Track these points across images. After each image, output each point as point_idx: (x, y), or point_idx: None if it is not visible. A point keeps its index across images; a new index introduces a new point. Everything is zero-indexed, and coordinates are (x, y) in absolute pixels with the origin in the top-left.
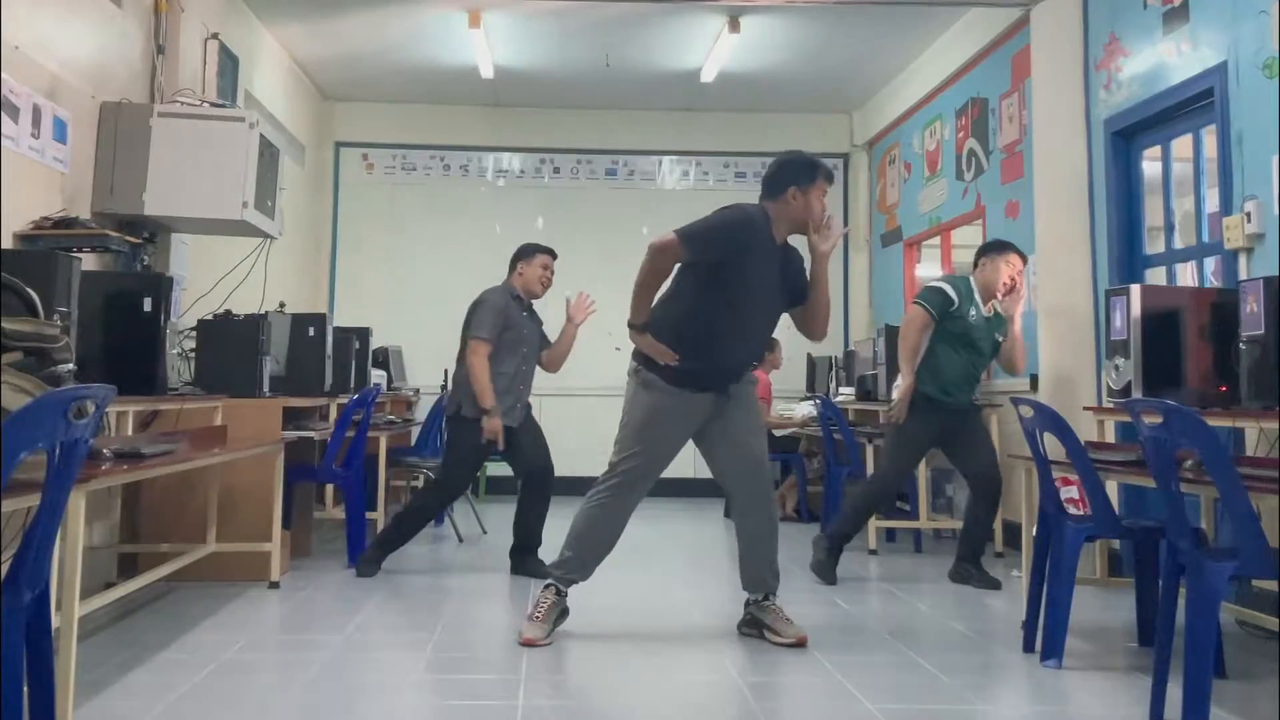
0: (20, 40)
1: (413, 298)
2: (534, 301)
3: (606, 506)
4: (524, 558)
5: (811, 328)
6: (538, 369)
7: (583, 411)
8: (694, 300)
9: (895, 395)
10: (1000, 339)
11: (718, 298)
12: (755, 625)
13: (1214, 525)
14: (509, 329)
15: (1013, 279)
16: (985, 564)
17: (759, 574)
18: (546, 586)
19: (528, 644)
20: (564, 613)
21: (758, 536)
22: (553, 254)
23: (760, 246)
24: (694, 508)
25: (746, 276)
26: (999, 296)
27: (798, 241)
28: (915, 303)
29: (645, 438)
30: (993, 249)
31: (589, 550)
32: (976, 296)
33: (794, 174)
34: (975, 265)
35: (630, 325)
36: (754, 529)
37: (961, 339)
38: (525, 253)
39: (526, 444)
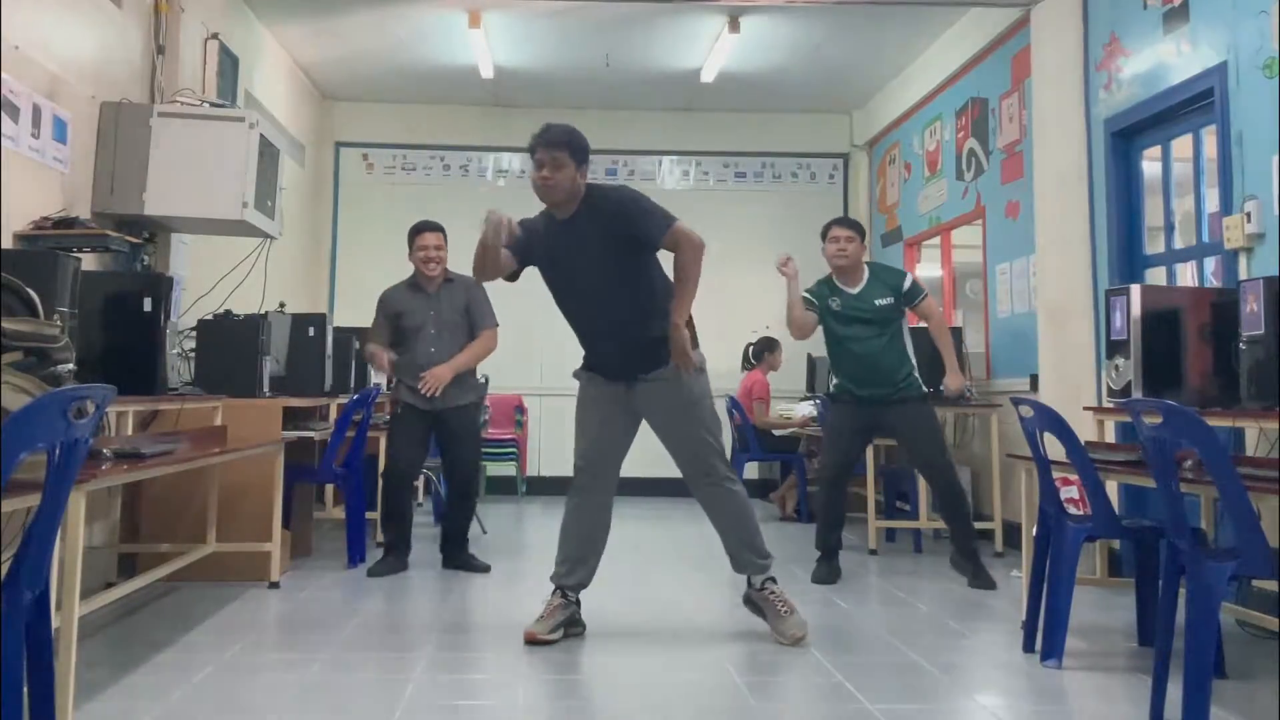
0: (20, 40)
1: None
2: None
3: (579, 504)
4: (451, 551)
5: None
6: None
7: None
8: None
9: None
10: (884, 304)
11: (555, 298)
12: (756, 608)
13: (1214, 525)
14: (402, 316)
15: (834, 254)
16: (986, 564)
17: (739, 555)
18: (554, 591)
19: (530, 639)
20: (574, 620)
21: (722, 525)
22: (435, 228)
23: (544, 240)
24: (694, 508)
25: (546, 274)
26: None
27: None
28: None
29: (580, 425)
30: (822, 233)
31: (573, 550)
32: (836, 282)
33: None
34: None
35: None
36: (715, 518)
37: (839, 325)
38: (409, 237)
39: (450, 444)
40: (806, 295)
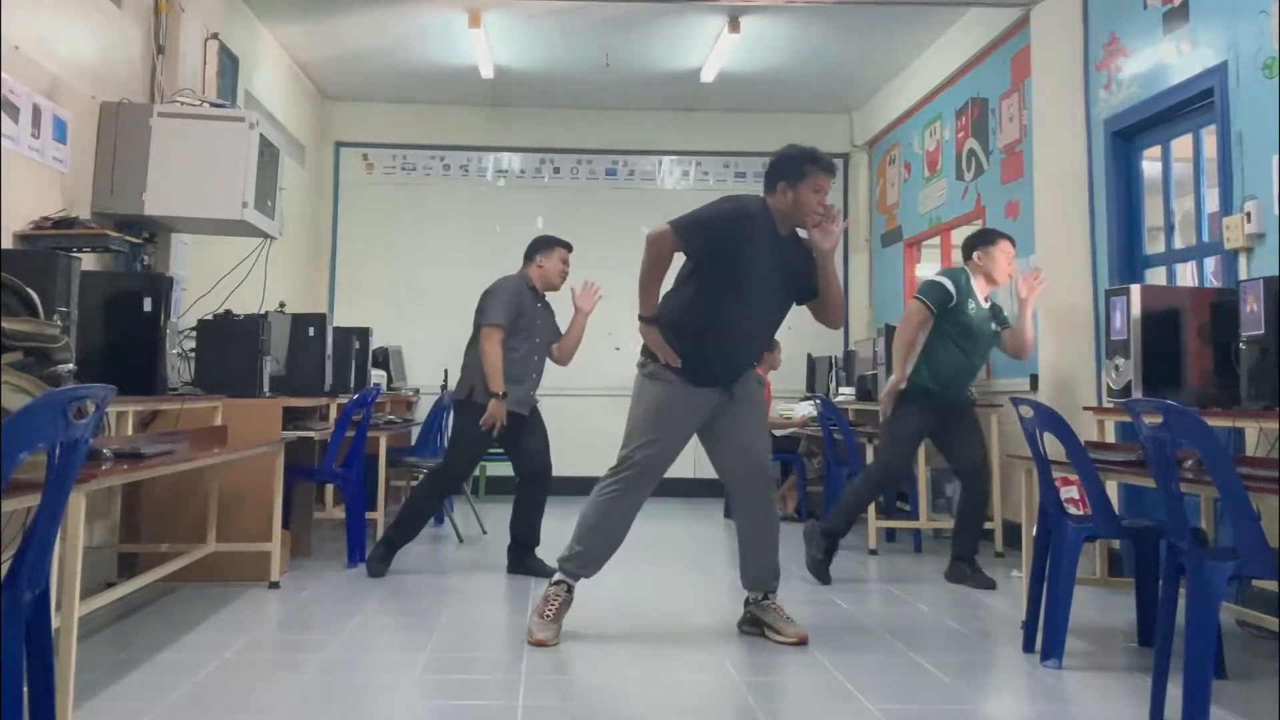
0: (20, 40)
1: (413, 298)
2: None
3: (618, 498)
4: (521, 555)
5: (825, 319)
6: (550, 363)
7: (584, 411)
8: (694, 292)
9: (883, 391)
10: (996, 329)
11: (716, 290)
12: (756, 624)
13: (1214, 525)
14: (522, 316)
15: (1011, 267)
16: (985, 564)
17: (759, 574)
18: (557, 583)
19: (538, 645)
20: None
21: (758, 538)
22: (570, 248)
23: (758, 238)
24: (694, 508)
25: (744, 269)
26: (1020, 283)
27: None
28: (916, 298)
29: (654, 428)
30: (984, 239)
31: (600, 543)
32: (975, 289)
33: (784, 169)
34: (967, 258)
35: (640, 318)
36: (755, 531)
37: (960, 333)
38: (545, 245)
39: (530, 439)
40: (940, 280)
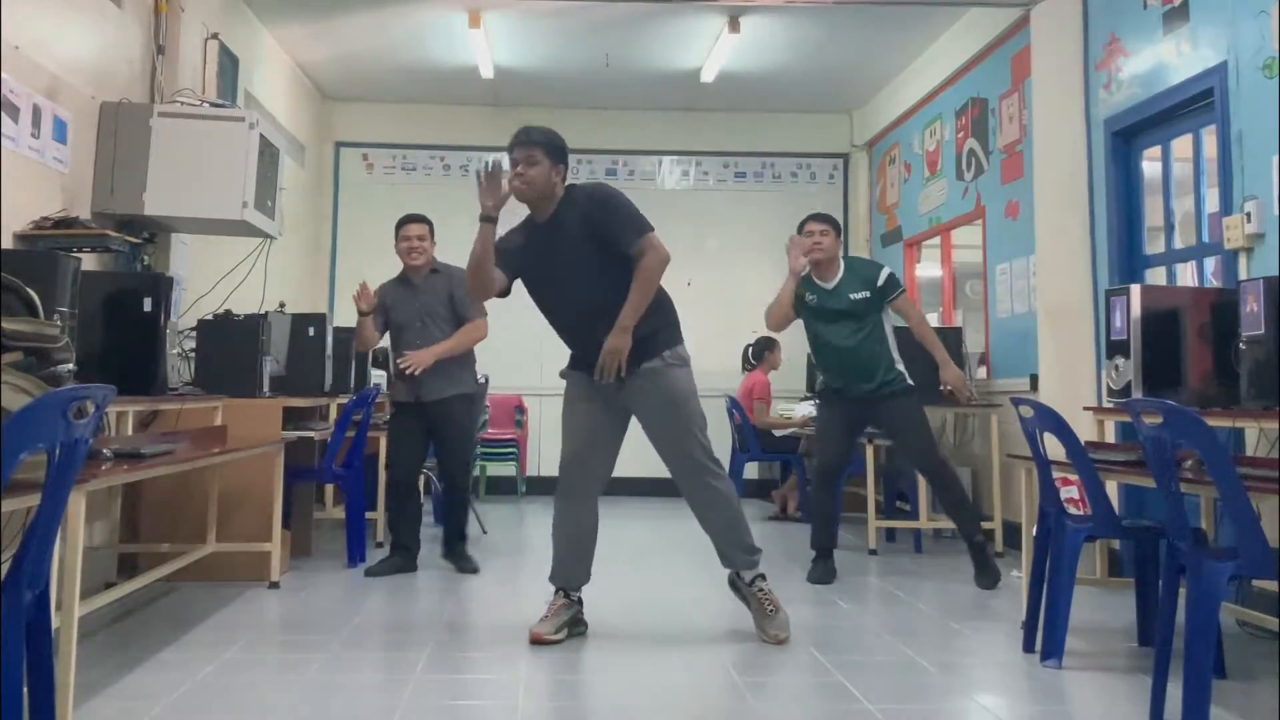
0: (20, 40)
1: None
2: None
3: (560, 501)
4: (450, 548)
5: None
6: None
7: None
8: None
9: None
10: (857, 299)
11: (534, 297)
12: (741, 598)
13: (1214, 525)
14: (392, 310)
15: (803, 251)
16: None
17: (726, 551)
18: (555, 591)
19: (535, 639)
20: (577, 620)
21: (710, 521)
22: (419, 219)
23: (524, 244)
24: None
25: (528, 276)
26: (804, 265)
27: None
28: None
29: (564, 422)
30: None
31: (566, 550)
32: (813, 278)
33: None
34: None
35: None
36: (703, 515)
37: (816, 321)
38: (395, 231)
39: (440, 435)
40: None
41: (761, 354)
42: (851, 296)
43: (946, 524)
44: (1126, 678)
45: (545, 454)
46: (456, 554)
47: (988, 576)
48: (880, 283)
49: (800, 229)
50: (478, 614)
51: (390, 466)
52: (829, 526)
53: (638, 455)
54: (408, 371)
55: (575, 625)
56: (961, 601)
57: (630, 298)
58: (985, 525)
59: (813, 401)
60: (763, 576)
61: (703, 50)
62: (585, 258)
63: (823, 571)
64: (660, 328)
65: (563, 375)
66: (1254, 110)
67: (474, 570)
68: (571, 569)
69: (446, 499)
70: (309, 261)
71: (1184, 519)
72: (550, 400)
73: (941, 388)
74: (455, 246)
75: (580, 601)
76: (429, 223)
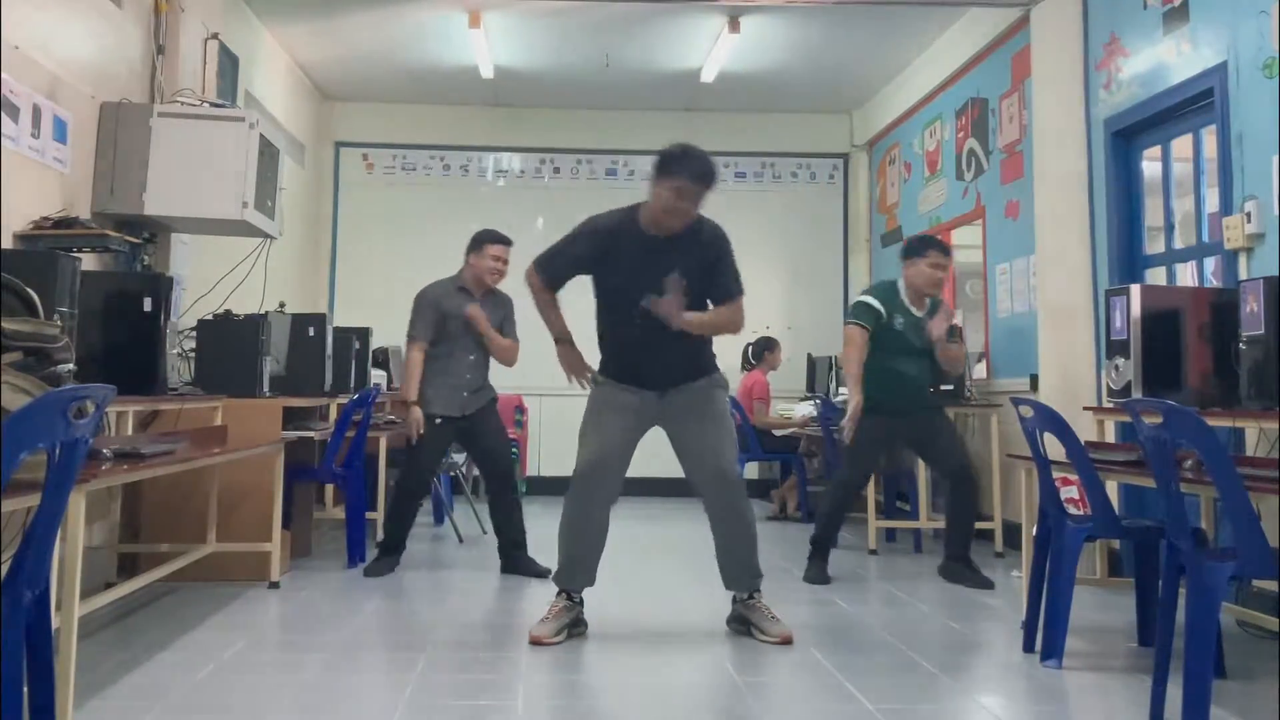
0: (20, 40)
1: (413, 298)
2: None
3: (575, 503)
4: (510, 553)
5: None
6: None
7: (581, 412)
8: (597, 304)
9: (846, 414)
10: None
11: (604, 301)
12: (743, 622)
13: (1214, 525)
14: (448, 319)
15: (937, 282)
16: (985, 564)
17: (736, 575)
18: (558, 593)
19: (535, 641)
20: (578, 621)
21: (730, 541)
22: (505, 241)
23: (620, 246)
24: (694, 508)
25: (613, 279)
26: (929, 325)
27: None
28: (848, 323)
29: (590, 427)
30: (911, 251)
31: (576, 551)
32: (904, 299)
33: (654, 166)
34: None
35: (555, 340)
36: (723, 534)
37: (895, 345)
38: (474, 243)
39: (484, 440)
40: (867, 300)
41: (761, 354)
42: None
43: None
44: (1126, 678)
45: (545, 454)
46: (523, 561)
47: (980, 580)
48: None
49: (918, 250)
50: (478, 614)
51: (415, 477)
52: (836, 528)
53: (638, 456)
54: (415, 439)
55: (576, 626)
56: (961, 601)
57: (708, 314)
58: (985, 525)
59: (813, 401)
60: (758, 589)
61: (703, 50)
62: (691, 284)
63: (819, 571)
64: (709, 355)
65: (596, 382)
66: (1254, 110)
67: (545, 573)
68: (579, 572)
69: (503, 495)
70: (309, 261)
71: (1184, 519)
72: (550, 400)
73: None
74: (456, 246)
75: (581, 603)
76: (511, 245)
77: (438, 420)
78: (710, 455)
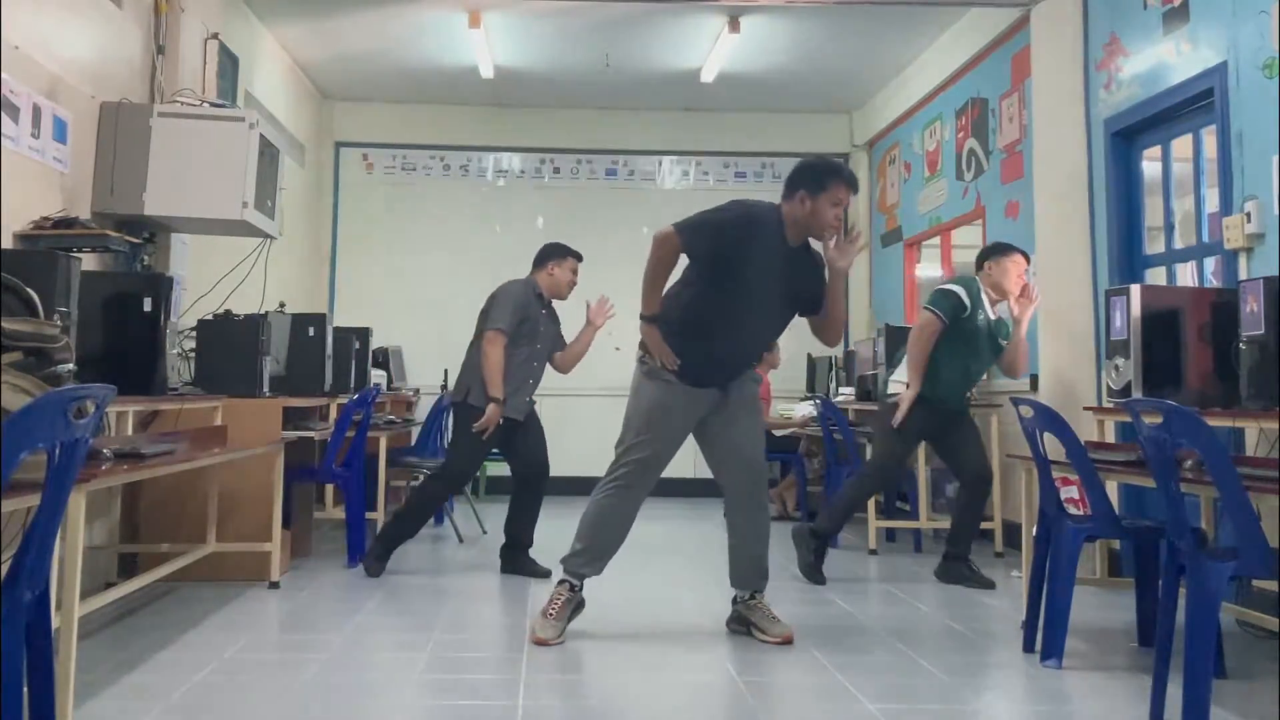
0: (20, 40)
1: (413, 298)
2: (554, 302)
3: (617, 495)
4: (514, 556)
5: (822, 336)
6: (549, 369)
7: (583, 411)
8: (697, 294)
9: (900, 399)
10: (1003, 343)
11: (718, 295)
12: (743, 622)
13: (1214, 525)
14: (526, 322)
15: (1022, 280)
16: (985, 564)
17: (746, 572)
18: (561, 582)
19: (540, 644)
20: (579, 606)
21: (748, 536)
22: (581, 258)
23: (763, 244)
24: (694, 508)
25: (747, 276)
26: (1012, 300)
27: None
28: (927, 308)
29: (650, 428)
30: (997, 251)
31: (601, 542)
32: (984, 299)
33: (805, 178)
34: (979, 268)
35: (641, 316)
36: (745, 529)
37: (965, 342)
38: (558, 253)
39: (527, 441)
40: (954, 290)
41: (760, 355)
42: (1000, 336)
43: (946, 524)
44: (1126, 678)
45: (549, 453)
46: (526, 563)
47: (981, 581)
48: (1007, 326)
49: (1000, 252)
50: (478, 614)
51: (459, 474)
52: (844, 522)
53: None
54: (486, 437)
55: (576, 611)
56: (961, 601)
57: (832, 314)
58: (985, 525)
59: (812, 401)
60: (762, 589)
61: (703, 50)
62: (794, 298)
63: (817, 570)
64: None
65: (660, 375)
66: (1254, 110)
67: (546, 573)
68: (599, 560)
69: (530, 501)
70: (309, 261)
71: (1184, 519)
72: (552, 400)
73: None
74: (456, 246)
75: (581, 588)
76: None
77: (501, 421)
78: (748, 449)
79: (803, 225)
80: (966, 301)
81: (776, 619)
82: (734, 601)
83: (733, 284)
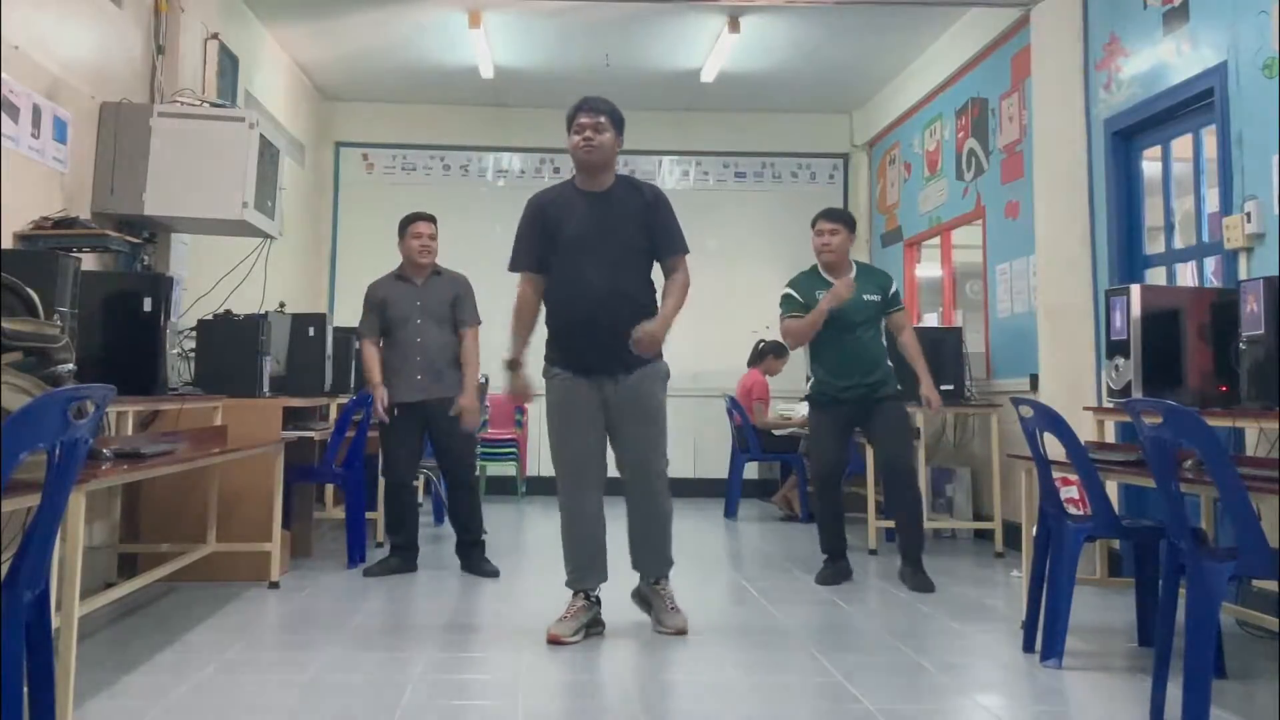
0: (20, 40)
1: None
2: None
3: (567, 501)
4: (465, 553)
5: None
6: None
7: None
8: (547, 291)
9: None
10: (870, 300)
11: (555, 273)
12: (645, 602)
13: (1214, 525)
14: (389, 307)
15: (819, 240)
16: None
17: (644, 560)
18: (574, 594)
19: (553, 640)
20: (595, 620)
21: (642, 530)
22: (427, 218)
23: (558, 208)
24: (694, 508)
25: (558, 240)
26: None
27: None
28: (783, 318)
29: (560, 424)
30: (813, 224)
31: (577, 550)
32: (823, 275)
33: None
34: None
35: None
36: (638, 523)
37: (827, 326)
38: (400, 229)
39: (451, 436)
40: (785, 290)
41: (764, 355)
42: (864, 297)
43: (946, 524)
44: (1126, 678)
45: (545, 454)
46: (474, 560)
47: (920, 583)
48: (890, 292)
49: (812, 225)
50: (478, 614)
51: (388, 468)
52: (837, 527)
53: None
54: (377, 420)
55: (593, 625)
56: (961, 601)
57: (670, 302)
58: (985, 525)
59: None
60: (666, 577)
61: (703, 50)
62: (631, 239)
63: (833, 573)
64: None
65: (549, 374)
66: (1254, 110)
67: (494, 574)
68: (589, 569)
69: (455, 494)
70: (309, 261)
71: (1184, 519)
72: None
73: (922, 402)
74: (455, 246)
75: (599, 601)
76: (436, 221)
77: (395, 410)
78: (644, 443)
79: (575, 164)
80: (798, 295)
81: (676, 610)
82: (641, 579)
83: (557, 256)
